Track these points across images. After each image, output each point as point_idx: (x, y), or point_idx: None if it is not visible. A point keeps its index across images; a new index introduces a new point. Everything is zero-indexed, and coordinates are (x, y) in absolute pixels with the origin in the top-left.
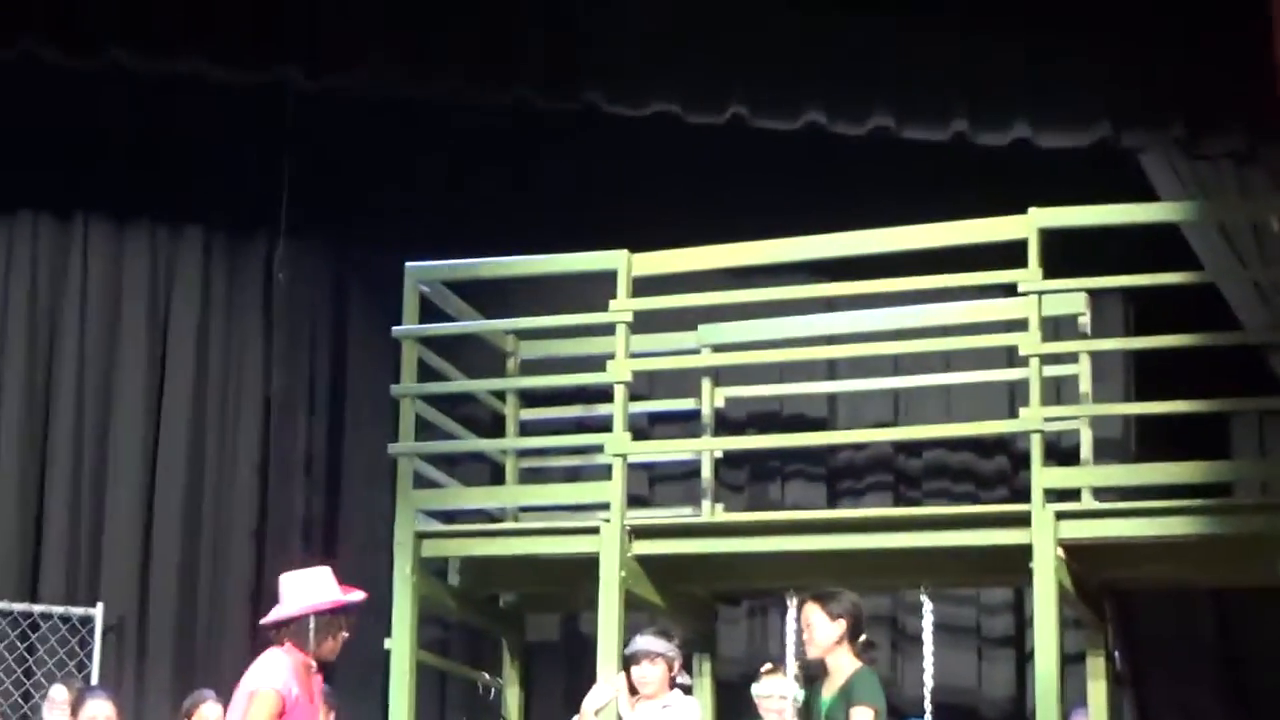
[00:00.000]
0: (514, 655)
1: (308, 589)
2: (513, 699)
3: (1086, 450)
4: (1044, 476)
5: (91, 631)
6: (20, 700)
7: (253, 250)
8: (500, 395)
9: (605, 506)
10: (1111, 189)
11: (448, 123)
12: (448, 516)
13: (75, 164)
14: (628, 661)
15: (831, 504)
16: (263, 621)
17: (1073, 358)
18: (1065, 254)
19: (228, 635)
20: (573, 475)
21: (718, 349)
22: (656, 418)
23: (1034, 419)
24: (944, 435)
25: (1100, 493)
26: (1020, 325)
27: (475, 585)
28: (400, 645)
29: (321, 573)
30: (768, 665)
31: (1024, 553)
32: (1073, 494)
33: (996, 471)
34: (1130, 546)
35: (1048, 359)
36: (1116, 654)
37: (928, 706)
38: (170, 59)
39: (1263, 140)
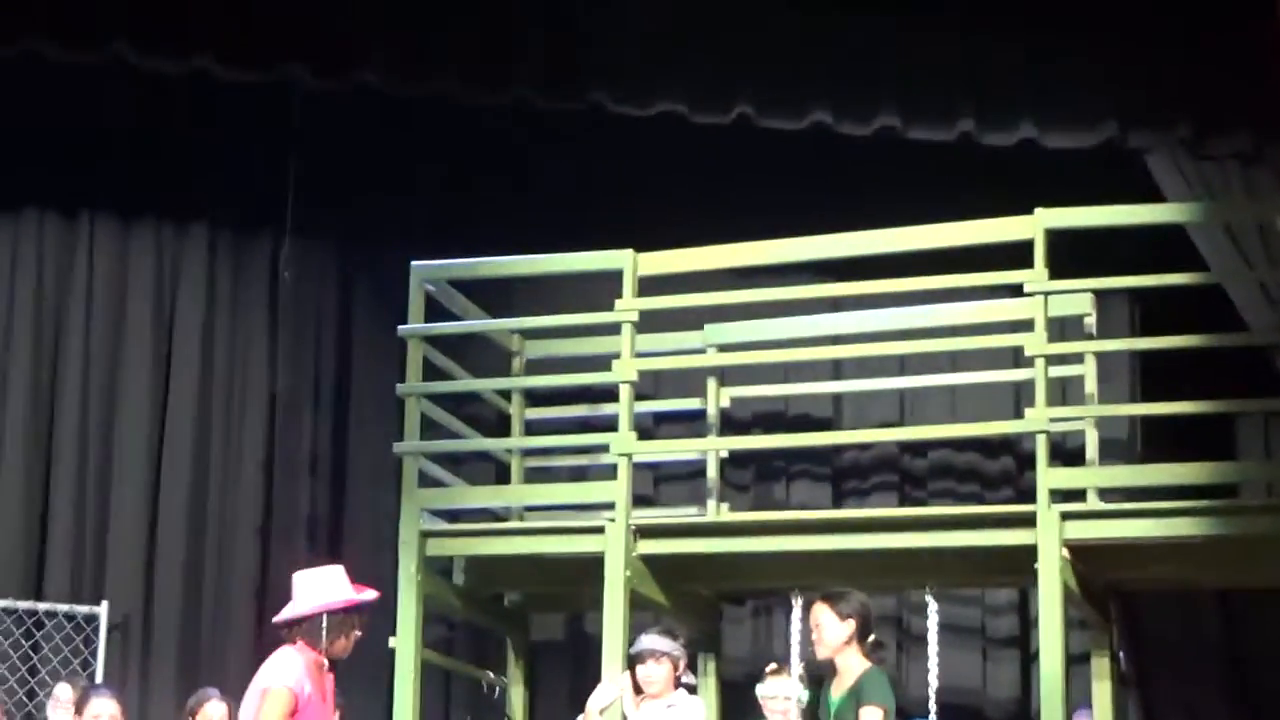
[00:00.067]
0: (519, 654)
1: (321, 588)
2: (517, 698)
3: (1092, 451)
4: (1049, 477)
5: (96, 629)
6: (25, 698)
7: (258, 248)
8: (505, 394)
9: (610, 506)
10: (1117, 189)
11: (454, 122)
12: (453, 515)
13: (80, 162)
14: (633, 661)
15: (837, 504)
16: (275, 619)
17: (1078, 358)
18: (1071, 254)
19: (232, 634)
20: (578, 475)
21: (723, 349)
22: (662, 417)
23: (1039, 419)
24: (949, 435)
25: (1106, 493)
26: (1026, 326)
27: (480, 584)
28: (405, 644)
29: (335, 571)
30: (772, 665)
31: (1029, 553)
32: (1078, 494)
33: (1002, 472)
34: (1135, 547)
35: (1053, 359)
36: (1121, 655)
37: (932, 707)
38: (176, 57)
39: (1269, 141)
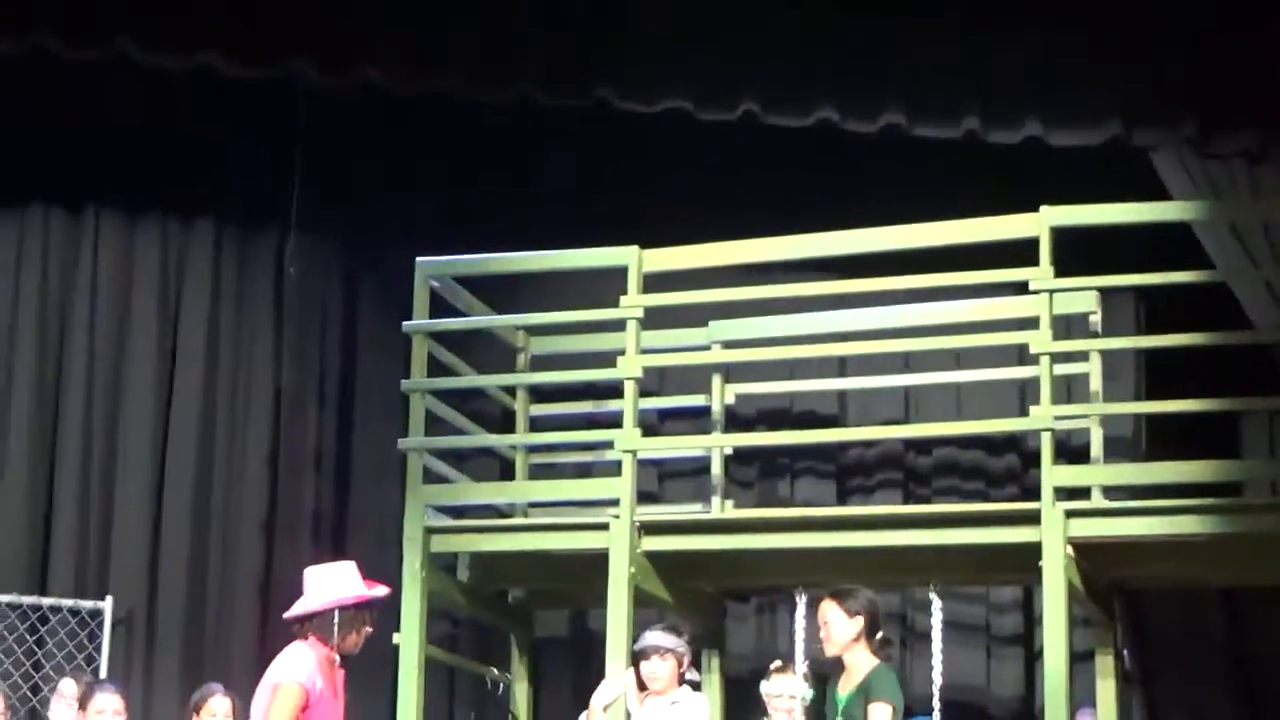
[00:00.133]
0: (522, 651)
1: (333, 583)
2: (521, 695)
3: (1097, 449)
4: (1054, 475)
5: (100, 625)
6: (29, 693)
7: (263, 244)
8: (510, 391)
9: (615, 502)
10: (1123, 187)
11: (459, 118)
12: (457, 512)
13: (86, 158)
14: (637, 657)
15: (841, 501)
16: (287, 615)
17: (1084, 356)
18: (1076, 252)
19: (236, 629)
20: (582, 471)
21: (728, 345)
22: (666, 414)
23: (1044, 417)
24: (954, 433)
25: (1110, 491)
26: (1031, 323)
27: (484, 581)
28: (409, 640)
29: (347, 567)
30: (777, 663)
31: (1034, 551)
32: (1083, 492)
33: (1006, 469)
34: (1140, 545)
35: (1058, 357)
36: (1125, 653)
37: (936, 704)
38: (181, 53)
39: (1274, 139)
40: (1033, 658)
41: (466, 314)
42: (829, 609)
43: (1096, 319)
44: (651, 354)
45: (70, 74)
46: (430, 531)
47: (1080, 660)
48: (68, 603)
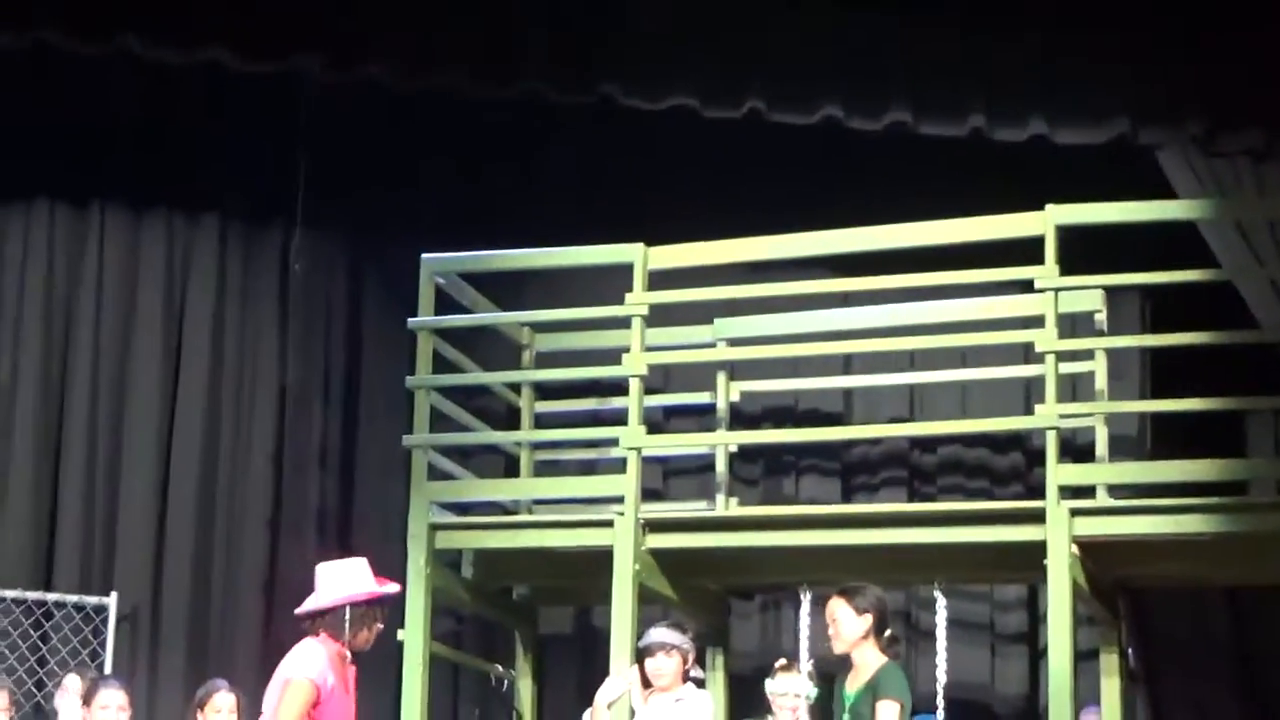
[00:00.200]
0: (527, 648)
1: (344, 579)
2: (525, 692)
3: (1102, 447)
4: (1059, 473)
5: (105, 620)
6: (34, 688)
7: (269, 240)
8: (515, 388)
9: (619, 500)
10: (1128, 186)
11: (465, 115)
12: (462, 509)
13: (91, 153)
14: (642, 654)
15: (846, 499)
16: (298, 611)
17: (1089, 354)
18: (1082, 251)
19: (241, 625)
20: (587, 468)
21: (733, 343)
22: (671, 411)
23: (1049, 415)
24: (959, 431)
25: (1115, 490)
26: (1037, 322)
27: (489, 577)
28: (413, 637)
29: (358, 564)
30: (782, 661)
31: (1038, 549)
32: (1088, 491)
33: (1011, 468)
34: (1145, 544)
35: (1064, 355)
36: (1130, 651)
37: (940, 702)
38: (185, 49)
39: None
40: (1037, 656)
41: (471, 311)
42: (837, 606)
43: (1102, 317)
44: (657, 351)
45: (75, 69)
46: (435, 528)
47: (1085, 659)
48: (72, 598)
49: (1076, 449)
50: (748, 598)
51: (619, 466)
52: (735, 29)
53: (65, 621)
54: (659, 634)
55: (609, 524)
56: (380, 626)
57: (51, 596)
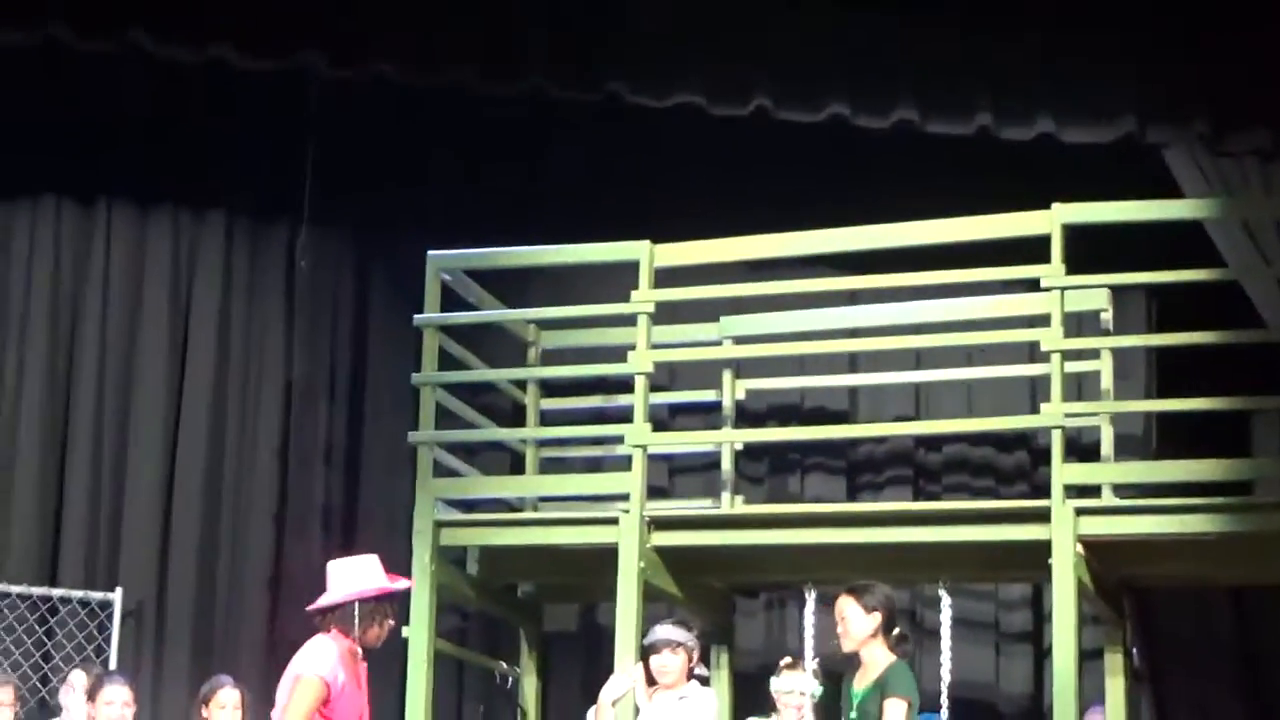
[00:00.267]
0: (531, 645)
1: (354, 576)
2: (530, 689)
3: (1107, 446)
4: (1064, 472)
5: (110, 616)
6: (39, 684)
7: (275, 236)
8: (521, 385)
9: (625, 497)
10: (1135, 185)
11: (471, 112)
12: (467, 505)
13: (98, 149)
14: (647, 651)
15: (851, 497)
16: (309, 608)
17: (1094, 354)
18: (1088, 250)
19: (246, 622)
20: (593, 466)
21: (739, 341)
22: (677, 409)
23: (1055, 414)
24: (965, 430)
25: (1120, 489)
26: (1042, 320)
27: (494, 575)
28: (418, 634)
29: (368, 560)
30: (787, 659)
31: (1043, 548)
32: (1093, 490)
33: (1017, 467)
34: (1150, 543)
35: (1069, 355)
36: (1134, 651)
37: (945, 701)
38: (193, 45)
39: None
40: (1042, 655)
41: (477, 308)
42: (846, 604)
43: (1108, 316)
44: (662, 349)
45: (82, 66)
46: (440, 525)
47: (1089, 658)
48: (78, 594)
49: (1082, 448)
50: (753, 596)
51: (624, 464)
52: (742, 27)
53: (70, 617)
54: (664, 631)
55: (614, 521)
56: (391, 623)
57: (57, 592)
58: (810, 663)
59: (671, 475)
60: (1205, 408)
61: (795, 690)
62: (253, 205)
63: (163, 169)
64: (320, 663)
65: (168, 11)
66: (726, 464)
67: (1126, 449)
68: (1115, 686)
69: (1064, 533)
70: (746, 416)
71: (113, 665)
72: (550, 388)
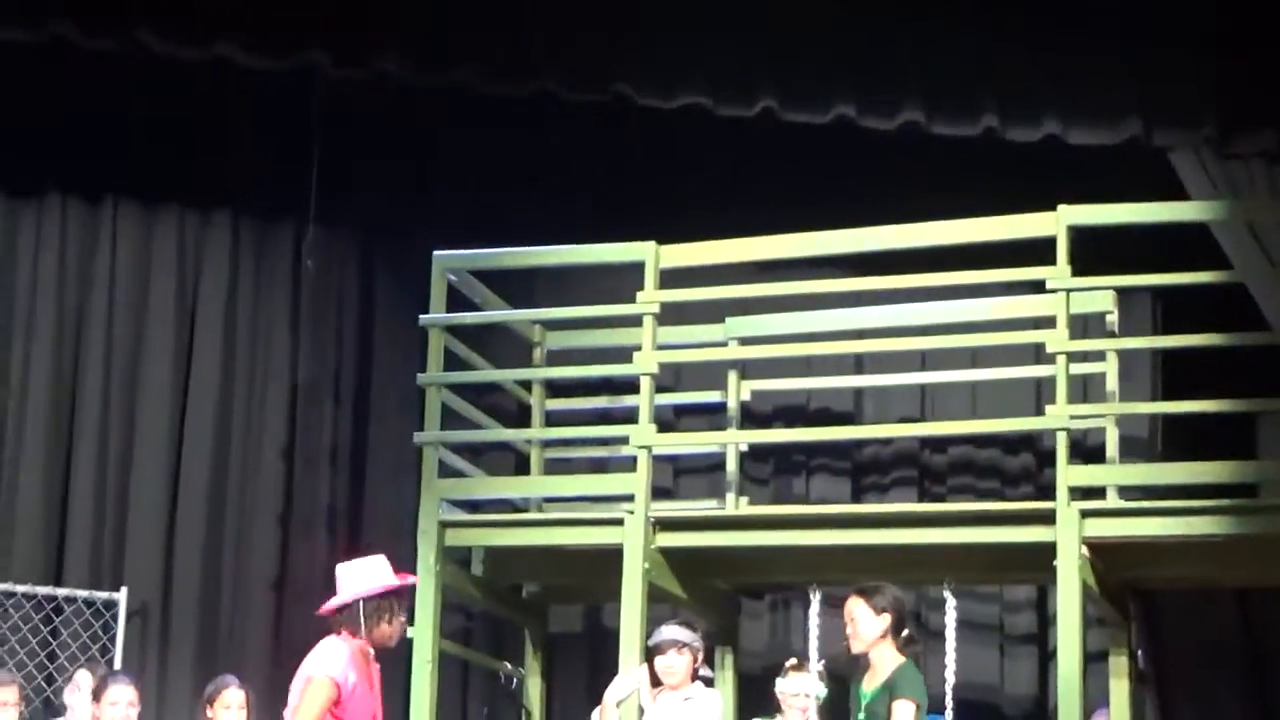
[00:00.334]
0: (536, 646)
1: (359, 577)
2: (534, 689)
3: (1112, 448)
4: (1069, 474)
5: (115, 616)
6: (44, 683)
7: (281, 236)
8: (526, 385)
9: (629, 498)
10: (1141, 187)
11: (477, 112)
12: (472, 506)
13: (104, 148)
14: (652, 652)
15: (856, 499)
16: (320, 611)
17: (1100, 356)
18: (1094, 251)
19: (251, 621)
20: (598, 466)
21: (744, 342)
22: (682, 410)
23: (1060, 416)
24: (970, 431)
25: (1126, 491)
26: (1048, 322)
27: (499, 575)
28: (423, 634)
29: (374, 560)
30: (793, 661)
31: (1048, 550)
32: (1098, 492)
33: (1022, 468)
34: (1155, 545)
35: (1075, 356)
36: (1139, 653)
37: (949, 703)
38: (198, 44)
39: None
40: (1046, 657)
41: (483, 308)
42: (855, 605)
43: (1113, 318)
44: (668, 349)
45: (88, 65)
46: (445, 525)
47: (1094, 660)
48: (82, 594)
49: (1087, 450)
50: (757, 597)
51: (629, 465)
52: (748, 28)
53: (75, 617)
54: (670, 631)
55: (619, 522)
56: (402, 620)
57: (62, 592)
58: (815, 664)
59: (676, 476)
60: (1211, 410)
61: (801, 692)
62: (258, 205)
63: (169, 168)
64: (331, 664)
65: (173, 10)
66: (731, 465)
67: (1132, 451)
68: (1120, 689)
69: (1069, 535)
70: (751, 417)
71: (117, 665)
72: (555, 388)
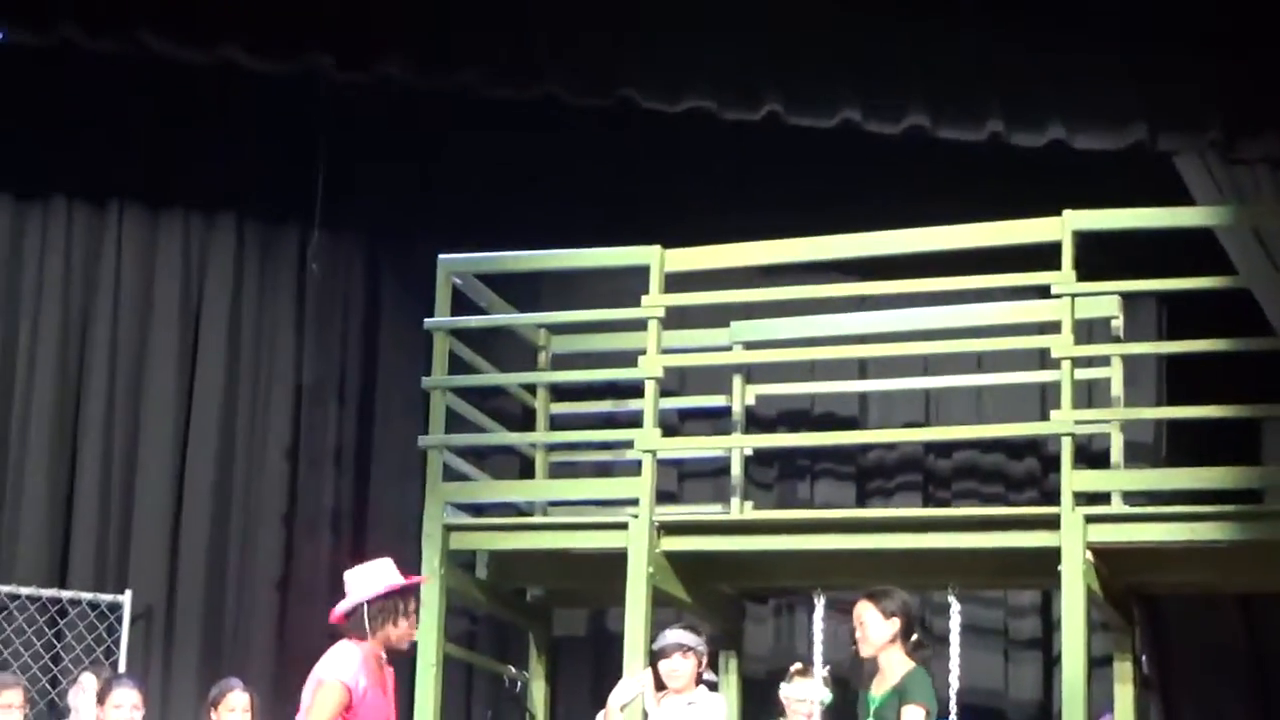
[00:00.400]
0: (540, 649)
1: (364, 580)
2: (538, 693)
3: (1117, 454)
4: (1074, 479)
5: (120, 618)
6: (48, 686)
7: (286, 239)
8: (531, 389)
9: (634, 502)
10: (1146, 192)
11: (481, 115)
12: (476, 509)
13: (110, 151)
14: (656, 656)
15: (860, 503)
16: (331, 619)
17: (1105, 361)
18: (1100, 256)
19: (255, 624)
20: (602, 470)
21: (749, 346)
22: (687, 414)
23: (1065, 421)
24: (974, 436)
25: (1130, 497)
26: (1053, 327)
27: (503, 579)
28: (427, 637)
29: (380, 564)
30: (798, 665)
31: (1053, 555)
32: (1103, 497)
33: (1026, 473)
34: (1159, 551)
35: (1080, 361)
36: (1144, 658)
37: (953, 708)
38: (203, 47)
39: None
40: (1051, 662)
41: (488, 312)
42: (865, 609)
43: (1118, 323)
44: (672, 354)
45: (93, 67)
46: (449, 529)
47: (1099, 665)
48: (87, 596)
49: (1092, 455)
50: (762, 601)
51: (634, 469)
52: (754, 32)
53: (80, 619)
54: (674, 635)
55: (623, 526)
56: (409, 621)
57: (66, 594)
58: (820, 670)
59: (681, 480)
60: (1215, 415)
61: (805, 697)
62: (263, 208)
63: (173, 171)
64: (342, 668)
65: (178, 14)
66: (736, 469)
67: (1136, 456)
68: (1124, 694)
69: (1073, 540)
70: (756, 422)
71: (122, 668)
72: (560, 392)
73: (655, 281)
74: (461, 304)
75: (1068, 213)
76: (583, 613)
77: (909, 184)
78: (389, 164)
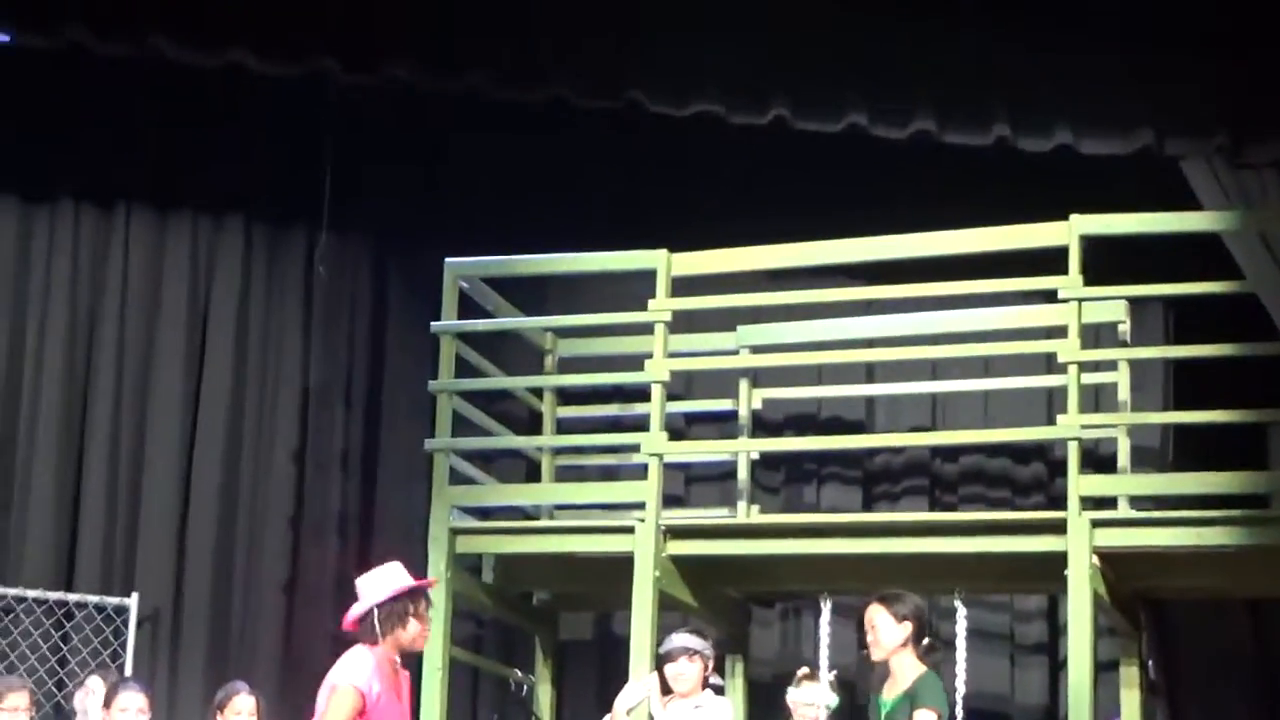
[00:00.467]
0: (547, 653)
1: (373, 585)
2: (545, 697)
3: (1124, 458)
4: (1081, 484)
5: (126, 621)
6: (54, 689)
7: (293, 242)
8: (537, 393)
9: (640, 506)
10: (1153, 197)
11: (489, 118)
12: (483, 513)
13: (117, 153)
14: (663, 659)
15: (867, 507)
16: (342, 626)
17: (1112, 365)
18: (1106, 261)
19: (262, 627)
20: (609, 474)
21: (756, 350)
22: (693, 418)
23: (1072, 426)
24: (981, 440)
25: (1137, 501)
26: (1060, 332)
27: (509, 582)
28: (433, 641)
29: (389, 568)
30: (804, 670)
31: (1059, 560)
32: (1109, 502)
33: (1033, 478)
34: (1166, 555)
35: (1087, 366)
36: (1150, 663)
37: (959, 712)
38: (211, 49)
39: None
40: (1057, 667)
41: (495, 315)
42: (877, 613)
43: (1125, 328)
44: (679, 357)
45: (102, 69)
46: (456, 532)
47: (1105, 670)
48: (93, 599)
49: (1098, 460)
50: (768, 605)
51: (640, 473)
52: (761, 36)
53: (86, 622)
54: (681, 639)
55: (630, 530)
56: (419, 624)
57: (72, 597)
58: (826, 674)
59: (687, 484)
60: (1222, 420)
61: (812, 702)
62: (270, 210)
63: (181, 173)
64: (355, 673)
65: (186, 17)
66: (742, 473)
67: (1143, 461)
68: (1131, 699)
69: (1080, 544)
70: (763, 426)
71: (128, 671)
72: (567, 395)
73: (662, 285)
74: (468, 307)
75: (1075, 217)
76: (589, 616)
77: (915, 188)
78: (396, 167)
